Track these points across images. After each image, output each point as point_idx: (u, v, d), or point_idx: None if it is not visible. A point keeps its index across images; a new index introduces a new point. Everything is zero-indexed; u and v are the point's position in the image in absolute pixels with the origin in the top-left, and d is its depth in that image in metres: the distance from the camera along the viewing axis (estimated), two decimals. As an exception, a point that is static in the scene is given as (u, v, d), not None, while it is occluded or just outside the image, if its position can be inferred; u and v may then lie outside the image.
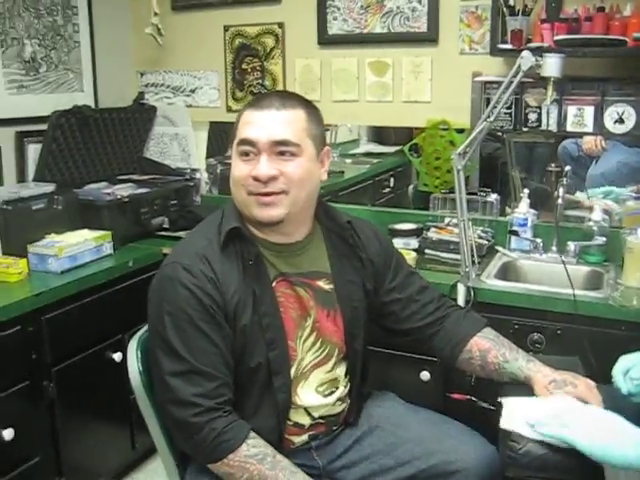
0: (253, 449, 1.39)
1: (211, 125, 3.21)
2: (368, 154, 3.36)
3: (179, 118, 3.20)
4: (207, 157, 3.22)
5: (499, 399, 1.49)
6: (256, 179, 1.44)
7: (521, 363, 1.56)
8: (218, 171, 3.15)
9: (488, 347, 1.62)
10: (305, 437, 1.58)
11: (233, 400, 1.45)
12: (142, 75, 3.27)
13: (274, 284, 1.51)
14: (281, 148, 1.44)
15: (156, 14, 2.98)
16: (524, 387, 1.53)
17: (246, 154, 1.45)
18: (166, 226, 2.88)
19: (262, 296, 1.48)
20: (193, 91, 3.17)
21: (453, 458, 1.54)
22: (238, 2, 2.95)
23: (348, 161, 3.34)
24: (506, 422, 1.39)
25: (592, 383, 1.48)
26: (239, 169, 1.47)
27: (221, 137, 3.28)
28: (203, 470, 1.46)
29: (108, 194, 2.70)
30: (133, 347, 1.58)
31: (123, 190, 2.78)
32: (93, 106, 3.01)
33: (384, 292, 1.69)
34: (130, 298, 2.45)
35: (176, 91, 3.21)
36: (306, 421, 1.57)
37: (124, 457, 2.65)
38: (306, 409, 1.56)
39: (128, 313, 2.39)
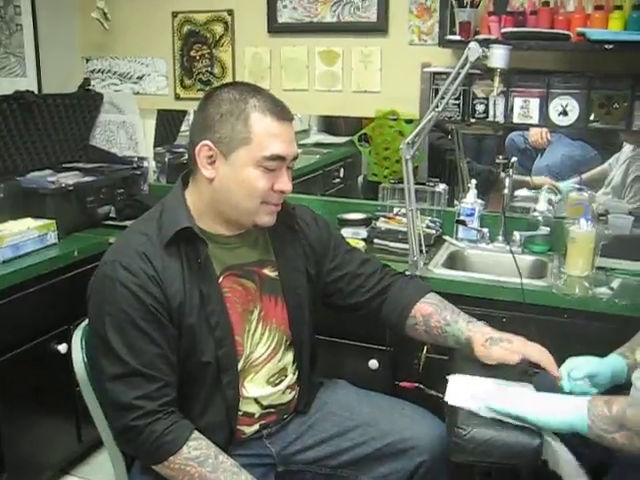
0: (194, 451, 1.38)
1: (159, 113, 3.15)
2: (318, 144, 3.36)
3: (126, 105, 3.14)
4: (155, 145, 3.17)
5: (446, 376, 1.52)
6: (282, 192, 1.47)
7: (461, 324, 1.59)
8: (166, 160, 3.12)
9: (430, 312, 1.64)
10: (256, 427, 1.58)
11: (177, 399, 1.43)
12: (88, 61, 3.19)
13: (221, 280, 1.50)
14: (292, 163, 1.49)
15: (102, -2, 2.92)
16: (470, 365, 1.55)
17: (272, 169, 1.43)
18: (113, 215, 2.82)
19: (209, 295, 1.46)
20: (141, 78, 3.11)
21: (407, 435, 1.58)
22: (186, -12, 2.91)
23: (298, 151, 3.32)
24: (451, 397, 1.42)
25: (526, 340, 1.51)
26: (263, 183, 1.43)
27: (169, 125, 3.24)
28: (147, 468, 1.45)
29: (52, 182, 2.63)
30: (78, 337, 1.55)
31: (68, 178, 2.71)
32: (36, 92, 2.92)
33: (326, 273, 1.70)
34: (75, 288, 2.37)
35: (123, 78, 3.14)
36: (256, 410, 1.56)
37: (70, 451, 2.60)
38: (255, 399, 1.56)
39: (73, 304, 2.32)
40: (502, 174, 2.52)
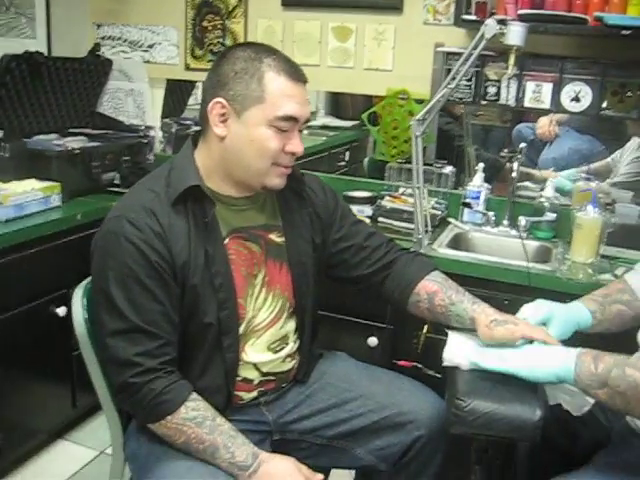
0: (192, 412, 1.38)
1: (168, 83, 3.13)
2: (325, 127, 3.35)
3: (135, 73, 3.12)
4: (163, 115, 3.15)
5: (446, 330, 1.57)
6: (293, 154, 1.45)
7: (466, 305, 1.58)
8: (173, 130, 3.10)
9: (435, 290, 1.62)
10: (254, 393, 1.57)
11: (177, 359, 1.42)
12: (99, 27, 3.16)
13: (226, 241, 1.49)
14: (304, 125, 1.47)
15: (115, -37, 2.89)
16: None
17: (285, 130, 1.42)
18: (117, 182, 2.82)
19: (214, 255, 1.45)
20: (151, 46, 3.09)
21: (405, 409, 1.57)
22: (202, -43, 2.88)
23: (304, 132, 3.29)
24: (448, 355, 1.46)
25: (532, 324, 1.50)
26: (275, 143, 1.42)
27: (178, 97, 3.22)
28: (144, 428, 1.44)
29: (58, 145, 2.61)
30: (79, 295, 1.54)
31: (74, 142, 2.69)
32: (46, 54, 2.90)
33: (332, 243, 1.68)
34: (77, 252, 2.37)
35: (133, 46, 3.12)
36: (255, 376, 1.55)
37: (64, 415, 2.60)
38: (255, 365, 1.55)
39: (74, 267, 2.29)
40: (508, 164, 2.50)
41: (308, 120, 1.47)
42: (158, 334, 1.38)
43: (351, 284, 1.73)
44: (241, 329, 1.50)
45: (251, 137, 1.41)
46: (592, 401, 1.40)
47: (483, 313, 1.54)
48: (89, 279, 1.55)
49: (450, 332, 1.56)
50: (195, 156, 1.50)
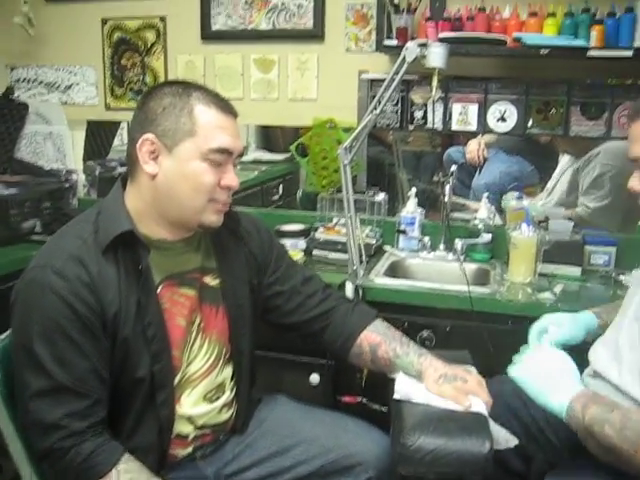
0: (125, 475, 1.27)
1: (89, 125, 3.03)
2: (257, 161, 3.32)
3: (53, 116, 3.00)
4: (86, 158, 3.03)
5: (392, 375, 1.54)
6: (229, 188, 1.40)
7: (412, 358, 1.53)
8: (97, 173, 2.98)
9: (379, 341, 1.57)
10: (189, 449, 1.47)
11: (106, 418, 1.32)
12: (12, 70, 3.04)
13: (159, 290, 1.40)
14: (238, 159, 1.43)
15: (26, 2, 2.79)
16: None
17: (219, 163, 1.36)
18: (38, 230, 2.68)
19: (147, 305, 1.36)
20: (69, 87, 2.98)
21: (352, 451, 1.51)
22: (117, -6, 2.81)
23: (237, 167, 3.26)
24: (400, 386, 1.46)
25: (482, 380, 1.47)
26: (210, 177, 1.35)
27: (101, 139, 3.12)
28: None
29: (-28, 194, 2.48)
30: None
31: (-11, 191, 2.56)
32: (-45, 101, 2.77)
33: (266, 285, 1.62)
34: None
35: (50, 87, 3.01)
36: (189, 430, 1.46)
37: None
38: (189, 418, 1.45)
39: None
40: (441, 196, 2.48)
41: (241, 154, 1.42)
42: (87, 393, 1.28)
43: (288, 331, 1.68)
44: (175, 380, 1.41)
45: (185, 172, 1.35)
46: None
47: (431, 367, 1.49)
48: (4, 335, 1.42)
49: (396, 375, 1.52)
50: (125, 199, 1.41)
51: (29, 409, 1.28)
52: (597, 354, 1.49)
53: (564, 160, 2.72)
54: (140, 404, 1.37)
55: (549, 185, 2.75)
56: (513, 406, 1.59)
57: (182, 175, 1.35)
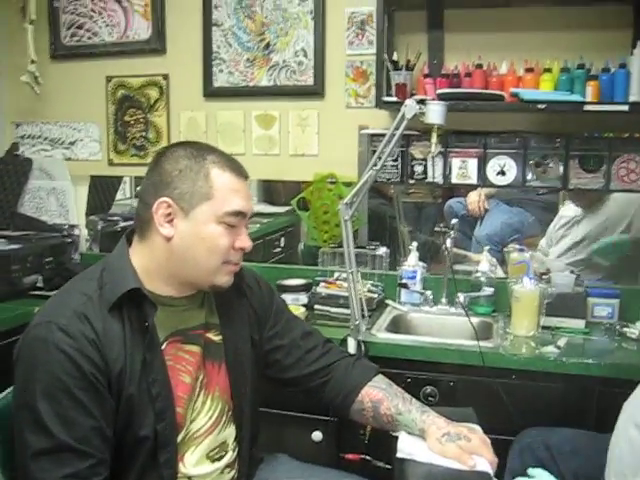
0: None
1: (92, 180, 3.05)
2: (259, 214, 3.32)
3: (57, 171, 3.03)
4: (88, 212, 3.05)
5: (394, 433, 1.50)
6: (242, 250, 1.42)
7: (415, 415, 1.50)
8: (99, 227, 3.00)
9: (380, 398, 1.54)
10: (191, 511, 1.44)
11: (109, 478, 1.29)
12: (18, 126, 3.08)
13: (164, 347, 1.39)
14: (249, 221, 1.45)
15: (33, 62, 2.84)
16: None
17: (233, 226, 1.37)
18: (40, 285, 2.67)
19: (152, 362, 1.34)
20: (73, 143, 3.02)
21: None
22: (121, 52, 2.86)
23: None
24: (403, 445, 1.42)
25: (486, 439, 1.43)
26: (225, 240, 1.37)
27: (103, 193, 3.14)
28: None
29: (-26, 250, 2.48)
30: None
31: (-8, 246, 2.57)
32: (-40, 157, 2.80)
33: (266, 340, 1.60)
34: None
35: (54, 143, 3.05)
36: (192, 491, 1.42)
37: None
38: (191, 478, 1.41)
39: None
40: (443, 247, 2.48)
41: (252, 216, 1.44)
42: (90, 453, 1.25)
43: (288, 386, 1.65)
44: (179, 438, 1.38)
45: (201, 235, 1.36)
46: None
47: (434, 425, 1.46)
48: (4, 394, 1.41)
49: (399, 434, 1.49)
50: (131, 256, 1.41)
51: (30, 470, 1.24)
52: None
53: (569, 211, 2.71)
54: (142, 463, 1.34)
55: (552, 236, 2.75)
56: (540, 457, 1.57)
57: (199, 238, 1.36)
